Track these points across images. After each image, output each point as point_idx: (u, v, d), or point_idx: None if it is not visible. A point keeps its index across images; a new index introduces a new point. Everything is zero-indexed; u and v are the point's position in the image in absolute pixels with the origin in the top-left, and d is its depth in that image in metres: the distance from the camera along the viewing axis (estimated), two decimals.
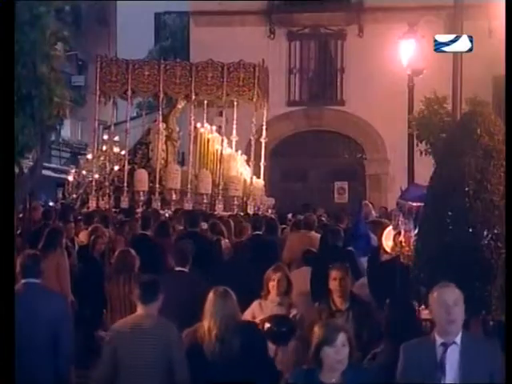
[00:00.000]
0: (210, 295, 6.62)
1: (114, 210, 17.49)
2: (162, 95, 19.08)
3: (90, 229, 12.69)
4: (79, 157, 30.95)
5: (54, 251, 10.61)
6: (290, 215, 17.68)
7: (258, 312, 8.38)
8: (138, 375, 6.40)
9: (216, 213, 17.44)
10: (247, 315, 8.16)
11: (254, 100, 19.26)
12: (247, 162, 20.48)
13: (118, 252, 10.29)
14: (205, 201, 18.66)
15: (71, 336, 7.25)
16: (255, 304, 8.47)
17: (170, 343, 6.47)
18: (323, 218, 17.78)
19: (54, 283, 10.39)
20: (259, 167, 20.10)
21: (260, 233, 13.23)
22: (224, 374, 6.26)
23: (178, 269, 8.98)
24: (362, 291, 10.88)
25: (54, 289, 10.28)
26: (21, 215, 13.23)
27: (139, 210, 17.14)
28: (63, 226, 12.33)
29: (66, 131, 35.77)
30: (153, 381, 6.41)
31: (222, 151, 19.74)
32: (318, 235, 12.63)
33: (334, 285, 8.34)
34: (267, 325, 7.99)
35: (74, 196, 19.13)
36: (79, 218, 15.27)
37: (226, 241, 12.36)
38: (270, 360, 7.13)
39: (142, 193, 18.41)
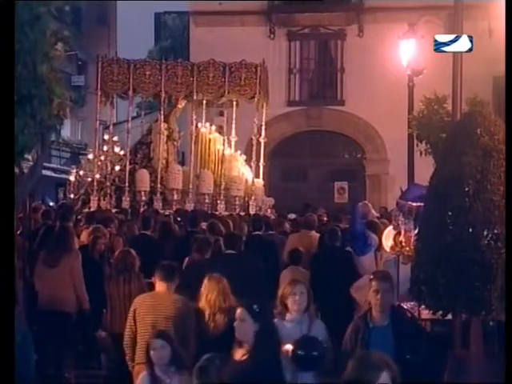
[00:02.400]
0: (205, 280, 7.70)
1: (114, 210, 17.47)
2: (163, 95, 19.08)
3: (90, 229, 12.69)
4: (80, 157, 31.00)
5: (67, 254, 10.61)
6: (291, 215, 17.65)
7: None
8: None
9: (218, 213, 17.42)
10: None
11: (256, 100, 19.26)
12: (246, 161, 20.47)
13: (118, 252, 10.29)
14: (206, 201, 18.65)
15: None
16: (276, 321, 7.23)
17: (182, 314, 7.60)
18: (324, 218, 17.80)
19: (68, 288, 10.43)
20: (258, 167, 20.11)
21: (260, 233, 13.24)
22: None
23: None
24: (359, 293, 10.91)
25: (69, 295, 10.35)
26: (21, 215, 13.25)
27: (140, 210, 17.11)
28: (72, 226, 12.27)
29: (66, 131, 35.77)
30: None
31: (223, 151, 19.73)
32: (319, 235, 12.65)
33: (374, 298, 7.01)
34: (293, 350, 6.98)
35: (76, 196, 19.11)
36: (80, 218, 15.27)
37: None
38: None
39: (143, 193, 18.39)
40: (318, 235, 12.68)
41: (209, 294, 7.63)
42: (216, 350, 6.45)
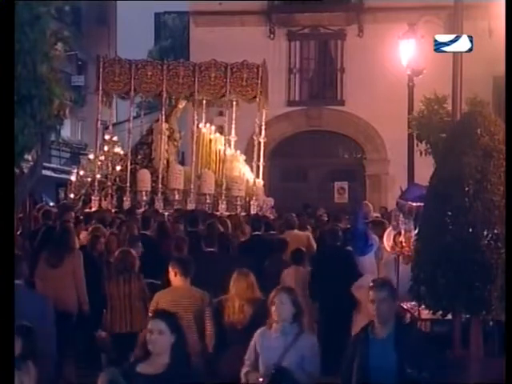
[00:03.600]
0: (234, 274, 8.17)
1: (114, 210, 17.46)
2: (165, 95, 19.07)
3: (90, 229, 12.69)
4: (80, 157, 30.98)
5: (69, 254, 10.61)
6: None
7: (259, 345, 6.91)
8: None
9: (219, 213, 17.42)
10: (251, 347, 6.97)
11: (257, 100, 19.27)
12: (246, 161, 20.47)
13: (118, 252, 10.29)
14: (208, 201, 18.65)
15: (53, 337, 7.24)
16: (256, 335, 6.99)
17: (201, 307, 8.09)
18: (324, 218, 17.80)
19: (70, 288, 10.42)
20: (259, 167, 20.11)
21: (260, 233, 13.25)
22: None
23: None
24: (360, 292, 10.92)
25: (71, 295, 10.35)
26: (21, 215, 13.25)
27: (141, 210, 17.10)
28: (73, 226, 12.26)
29: (66, 131, 35.75)
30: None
31: (224, 151, 19.72)
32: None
33: (371, 308, 6.47)
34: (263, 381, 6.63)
35: (77, 196, 19.10)
36: (80, 218, 15.27)
37: None
38: None
39: (144, 193, 18.39)
40: (309, 235, 12.73)
41: (238, 287, 8.10)
42: (243, 341, 7.12)
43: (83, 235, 12.85)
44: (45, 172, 23.30)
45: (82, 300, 10.48)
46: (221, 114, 21.20)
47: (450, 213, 7.84)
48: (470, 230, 7.75)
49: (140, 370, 5.76)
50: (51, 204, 21.51)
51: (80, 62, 38.55)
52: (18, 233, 12.53)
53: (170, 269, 8.39)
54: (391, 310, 6.38)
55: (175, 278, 8.35)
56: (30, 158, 9.50)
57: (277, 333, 6.76)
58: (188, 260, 8.66)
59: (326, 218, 17.60)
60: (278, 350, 6.63)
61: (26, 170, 9.62)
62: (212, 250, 10.77)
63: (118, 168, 19.06)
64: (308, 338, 6.80)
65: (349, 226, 12.99)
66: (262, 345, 6.79)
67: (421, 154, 16.28)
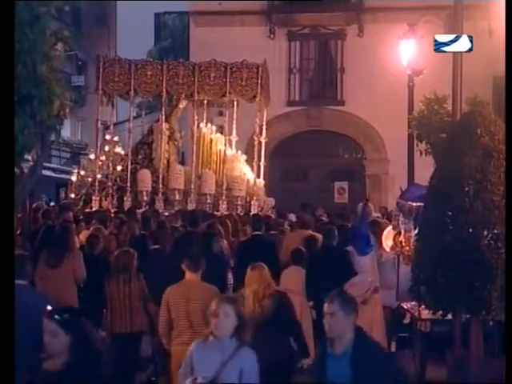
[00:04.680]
0: (248, 270, 8.32)
1: (114, 210, 17.46)
2: (164, 95, 19.06)
3: (90, 229, 12.68)
4: (81, 157, 30.98)
5: (69, 254, 10.60)
6: (291, 216, 17.65)
7: (196, 358, 6.26)
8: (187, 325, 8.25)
9: (220, 213, 17.41)
10: (187, 359, 6.35)
11: (257, 100, 19.26)
12: (247, 161, 20.46)
13: (118, 252, 10.29)
14: (208, 201, 18.64)
15: None
16: (193, 347, 6.35)
17: (211, 300, 7.62)
18: (323, 218, 17.79)
19: (71, 288, 10.42)
20: (259, 167, 20.10)
21: (260, 233, 13.24)
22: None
23: None
24: (353, 289, 10.92)
25: (71, 295, 10.34)
26: (20, 215, 13.24)
27: (141, 210, 17.09)
28: (73, 226, 12.23)
29: (66, 131, 35.74)
30: (195, 327, 8.06)
31: (225, 151, 19.71)
32: (317, 235, 12.64)
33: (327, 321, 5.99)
34: None
35: (77, 196, 19.08)
36: (80, 218, 15.25)
37: (224, 241, 12.36)
38: (297, 321, 8.60)
39: (145, 193, 18.38)
40: (315, 235, 12.68)
41: (254, 281, 8.23)
42: (266, 334, 7.40)
43: (83, 235, 12.85)
44: (45, 172, 23.27)
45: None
46: (221, 113, 21.18)
47: (450, 213, 7.85)
48: (470, 230, 7.76)
49: (45, 367, 5.44)
50: (51, 204, 21.49)
51: (80, 62, 38.54)
52: (18, 232, 12.53)
53: (183, 264, 8.60)
54: (345, 325, 5.81)
55: (187, 272, 8.57)
56: (29, 157, 9.51)
57: (215, 346, 6.10)
58: (197, 255, 8.88)
59: (326, 218, 17.60)
60: (215, 364, 6.04)
61: (26, 170, 9.62)
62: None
63: (119, 168, 19.05)
64: (247, 354, 6.10)
65: (350, 226, 13.01)
66: (198, 358, 6.18)
67: (421, 154, 16.27)
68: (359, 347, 5.77)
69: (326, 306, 5.96)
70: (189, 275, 8.55)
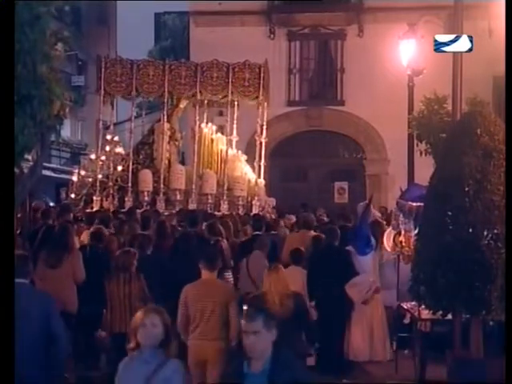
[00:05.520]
0: (265, 271, 8.87)
1: (114, 210, 17.45)
2: (166, 95, 19.04)
3: (91, 229, 12.67)
4: (81, 157, 30.96)
5: (68, 254, 10.59)
6: (291, 216, 17.63)
7: (121, 378, 5.96)
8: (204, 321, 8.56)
9: (221, 213, 17.40)
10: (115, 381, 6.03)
11: (260, 100, 19.25)
12: (247, 161, 20.45)
13: (118, 252, 10.29)
14: (209, 201, 18.63)
15: (65, 335, 7.23)
16: (120, 367, 6.00)
17: (228, 299, 8.58)
18: (323, 218, 17.79)
19: (71, 289, 10.42)
20: (260, 167, 20.10)
21: (260, 233, 13.25)
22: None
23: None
24: (353, 290, 10.94)
25: (71, 295, 10.35)
26: (20, 215, 13.24)
27: (142, 210, 17.08)
28: (72, 226, 12.23)
29: (66, 131, 35.72)
30: (213, 324, 8.51)
31: (226, 151, 19.70)
32: (322, 235, 12.65)
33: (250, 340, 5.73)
34: None
35: (78, 196, 19.07)
36: (81, 218, 15.24)
37: (225, 241, 12.36)
38: (310, 319, 9.18)
39: (146, 193, 18.37)
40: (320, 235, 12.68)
41: (272, 282, 8.71)
42: (289, 331, 7.52)
43: (83, 235, 12.85)
44: (45, 172, 23.29)
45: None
46: (221, 113, 21.18)
47: (450, 213, 7.85)
48: (470, 230, 7.76)
49: None
50: (51, 204, 21.49)
51: (80, 62, 38.52)
52: (18, 232, 12.53)
53: (200, 263, 8.84)
54: (268, 342, 5.48)
55: (203, 271, 8.80)
56: (30, 157, 9.51)
57: (141, 359, 5.83)
58: (213, 254, 9.16)
59: (326, 218, 17.59)
60: (141, 379, 5.75)
61: (25, 170, 9.63)
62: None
63: (120, 168, 19.04)
64: (173, 365, 5.84)
65: (351, 226, 13.00)
66: (125, 375, 5.87)
67: (421, 154, 16.26)
68: (276, 361, 5.50)
69: (246, 324, 5.55)
70: (205, 274, 8.78)
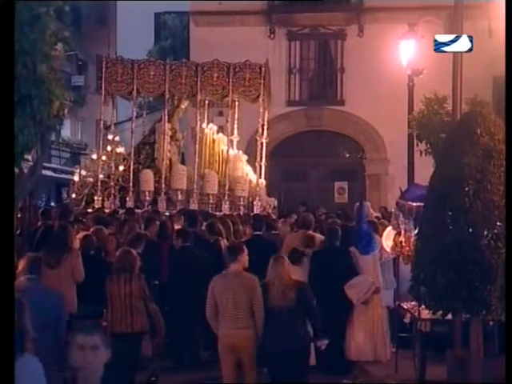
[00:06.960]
0: (272, 260, 9.05)
1: (113, 210, 17.45)
2: (167, 95, 19.04)
3: (91, 229, 12.67)
4: (81, 157, 30.95)
5: (67, 254, 10.58)
6: (294, 215, 17.62)
7: None
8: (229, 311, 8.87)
9: (222, 213, 17.39)
10: None
11: (260, 100, 19.25)
12: (248, 162, 20.45)
13: (119, 252, 10.28)
14: (211, 201, 18.63)
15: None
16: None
17: (252, 289, 8.85)
18: (323, 218, 17.77)
19: (70, 289, 10.40)
20: (261, 167, 20.10)
21: (260, 233, 13.24)
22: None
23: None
24: (352, 290, 10.94)
25: (70, 296, 10.33)
26: (20, 215, 13.23)
27: (142, 210, 17.08)
28: (71, 227, 12.21)
29: (66, 131, 35.73)
30: (238, 313, 8.84)
31: (227, 151, 19.70)
32: (317, 234, 12.65)
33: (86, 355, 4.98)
34: None
35: (79, 196, 19.06)
36: (81, 218, 15.23)
37: (225, 241, 12.36)
38: (317, 309, 9.18)
39: (147, 193, 18.37)
40: (315, 235, 12.69)
41: (276, 272, 8.93)
42: (290, 320, 8.59)
43: (82, 235, 12.83)
44: (45, 172, 23.30)
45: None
46: (221, 113, 21.16)
47: (450, 213, 7.85)
48: (470, 230, 7.75)
49: None
50: (51, 204, 21.49)
51: (80, 62, 38.53)
52: (18, 232, 12.53)
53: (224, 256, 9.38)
54: (103, 361, 4.85)
55: (228, 263, 9.14)
56: (30, 157, 9.52)
57: None
58: (237, 247, 9.44)
59: (325, 217, 17.57)
60: None
61: (25, 170, 9.63)
62: None
63: (121, 168, 19.04)
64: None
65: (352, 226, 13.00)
66: None
67: (421, 154, 16.27)
68: None
69: (82, 337, 4.85)
70: (232, 266, 9.07)
